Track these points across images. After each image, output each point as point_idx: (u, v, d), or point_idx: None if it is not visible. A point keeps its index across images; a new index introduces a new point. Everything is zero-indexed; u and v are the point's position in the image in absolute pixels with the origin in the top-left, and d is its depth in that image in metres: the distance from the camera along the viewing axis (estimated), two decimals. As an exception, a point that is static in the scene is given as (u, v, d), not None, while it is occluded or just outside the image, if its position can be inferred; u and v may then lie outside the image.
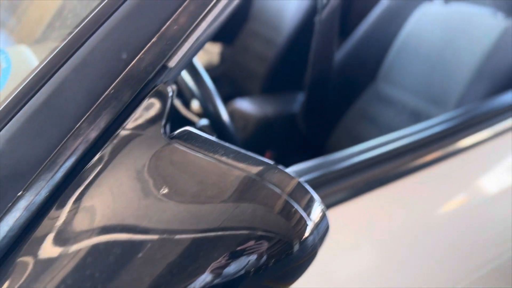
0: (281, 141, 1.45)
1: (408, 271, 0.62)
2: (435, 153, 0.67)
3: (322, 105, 1.23)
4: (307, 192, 0.35)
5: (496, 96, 0.78)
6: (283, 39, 1.62)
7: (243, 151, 0.37)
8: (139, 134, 0.37)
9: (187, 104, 0.77)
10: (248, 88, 1.76)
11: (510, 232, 0.73)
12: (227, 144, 0.38)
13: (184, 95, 0.76)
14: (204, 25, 0.41)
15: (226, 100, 1.75)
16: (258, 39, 1.79)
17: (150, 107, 0.39)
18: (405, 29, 1.26)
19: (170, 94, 0.39)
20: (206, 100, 0.68)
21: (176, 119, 0.84)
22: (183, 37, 0.40)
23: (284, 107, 1.48)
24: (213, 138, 0.38)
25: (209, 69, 1.77)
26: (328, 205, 0.59)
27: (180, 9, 0.40)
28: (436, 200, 0.67)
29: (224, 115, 0.70)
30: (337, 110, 1.34)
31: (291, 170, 0.62)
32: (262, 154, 1.41)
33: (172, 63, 0.40)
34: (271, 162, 0.36)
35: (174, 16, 0.40)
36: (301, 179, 0.35)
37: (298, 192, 0.34)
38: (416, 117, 1.17)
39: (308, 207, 0.34)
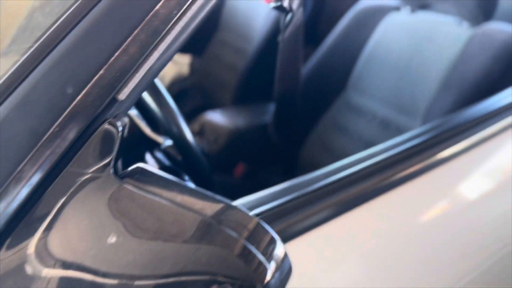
0: (253, 152, 1.44)
1: (395, 285, 0.61)
2: (414, 166, 0.65)
3: (292, 116, 1.22)
4: (267, 232, 0.33)
5: (469, 107, 0.78)
6: (253, 49, 1.61)
7: (199, 189, 0.35)
8: (87, 174, 0.35)
9: (151, 124, 0.75)
10: (220, 99, 1.74)
11: (494, 238, 0.73)
12: (182, 182, 0.36)
13: (147, 115, 0.74)
14: (156, 54, 0.39)
15: (197, 111, 1.72)
16: (228, 49, 1.78)
17: (98, 145, 0.36)
18: (373, 38, 1.26)
19: (121, 129, 0.36)
20: (169, 121, 0.66)
21: (140, 139, 0.81)
22: (134, 68, 0.38)
23: (255, 118, 1.47)
24: (167, 175, 0.36)
25: (179, 81, 1.74)
26: (310, 226, 0.57)
27: (129, 39, 0.38)
28: (419, 212, 0.67)
29: (189, 135, 0.68)
30: (308, 120, 1.33)
31: (270, 191, 0.60)
32: (235, 166, 1.40)
33: (122, 96, 0.38)
34: (229, 202, 0.34)
35: (124, 46, 0.38)
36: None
37: (257, 233, 0.32)
38: (386, 126, 1.18)
39: (268, 249, 0.33)
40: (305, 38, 1.45)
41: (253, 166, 1.42)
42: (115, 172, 0.35)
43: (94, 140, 0.36)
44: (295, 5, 0.61)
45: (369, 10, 1.29)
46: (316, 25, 2.13)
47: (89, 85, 0.36)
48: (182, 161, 0.70)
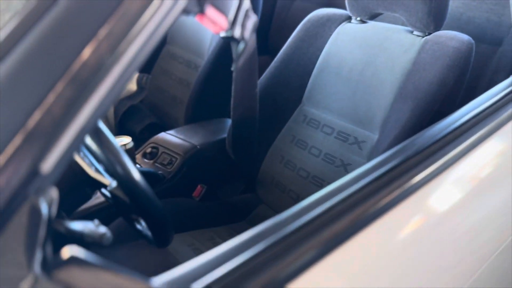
0: (212, 172, 1.38)
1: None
2: (392, 194, 0.61)
3: (250, 132, 1.18)
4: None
5: (432, 126, 0.75)
6: (205, 63, 1.55)
7: (133, 274, 0.29)
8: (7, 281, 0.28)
9: (95, 163, 0.67)
10: (173, 115, 1.67)
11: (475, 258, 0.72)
12: (115, 267, 0.30)
13: (88, 154, 0.67)
14: (86, 112, 0.32)
15: (149, 130, 1.64)
16: (179, 63, 1.71)
17: (18, 229, 0.29)
18: (326, 49, 1.24)
19: (45, 210, 0.30)
20: (112, 162, 0.59)
21: (85, 181, 0.73)
22: (59, 132, 0.31)
23: (212, 135, 1.41)
24: (102, 263, 0.30)
25: (127, 97, 1.65)
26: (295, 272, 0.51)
27: (51, 95, 0.31)
28: (405, 238, 0.63)
29: (135, 175, 0.62)
30: (267, 134, 1.29)
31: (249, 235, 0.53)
32: (193, 189, 1.33)
33: (46, 167, 0.31)
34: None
35: (44, 103, 0.31)
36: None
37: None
38: (345, 138, 1.16)
39: None
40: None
41: (212, 185, 1.36)
42: (44, 265, 0.28)
43: (13, 224, 0.29)
44: (247, 33, 0.57)
45: (319, 20, 1.27)
46: (267, 35, 2.11)
47: (3, 157, 0.30)
48: (131, 203, 0.64)
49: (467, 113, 0.79)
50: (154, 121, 1.66)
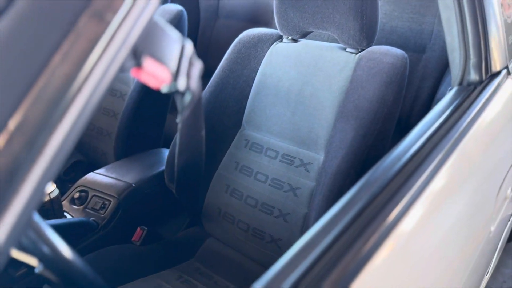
0: (152, 211, 1.27)
1: None
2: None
3: (197, 172, 1.10)
4: None
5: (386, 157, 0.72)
6: (131, 91, 1.43)
7: None
8: None
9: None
10: (101, 150, 1.53)
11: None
12: None
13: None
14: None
15: (75, 170, 1.49)
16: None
17: None
18: (260, 70, 1.20)
19: None
20: (35, 242, 0.49)
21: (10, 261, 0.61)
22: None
23: (148, 170, 1.30)
24: None
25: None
26: None
27: None
28: None
29: (65, 251, 0.52)
30: (209, 164, 1.21)
31: None
32: (132, 233, 1.22)
33: None
34: None
35: None
36: None
37: None
38: (290, 161, 1.12)
39: None
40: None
41: (153, 225, 1.26)
42: None
43: None
44: (193, 83, 0.49)
45: (251, 41, 1.22)
46: (206, 57, 2.04)
47: None
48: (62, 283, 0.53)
49: (422, 135, 0.76)
50: (79, 158, 1.51)
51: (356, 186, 0.60)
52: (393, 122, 1.00)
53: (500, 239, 1.23)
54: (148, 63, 0.39)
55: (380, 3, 1.55)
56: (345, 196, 0.58)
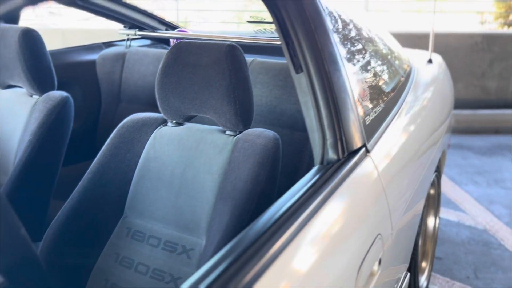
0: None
1: None
2: None
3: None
4: None
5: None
6: None
7: None
8: None
9: None
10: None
11: None
12: None
13: None
14: None
15: None
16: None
17: None
18: (143, 154, 1.17)
19: None
20: None
21: None
22: None
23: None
24: None
25: None
26: None
27: None
28: None
29: None
30: (87, 257, 1.12)
31: None
32: None
33: None
34: None
35: None
36: None
37: None
38: (172, 249, 1.07)
39: None
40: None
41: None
42: None
43: None
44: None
45: (135, 125, 1.21)
46: (94, 139, 2.00)
47: None
48: None
49: (280, 208, 0.77)
50: None
51: None
52: (269, 201, 1.00)
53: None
54: None
55: (270, 87, 1.64)
56: None
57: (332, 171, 0.88)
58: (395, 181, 1.14)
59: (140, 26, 2.15)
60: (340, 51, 1.03)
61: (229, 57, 1.04)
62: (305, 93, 0.94)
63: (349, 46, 1.17)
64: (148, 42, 2.26)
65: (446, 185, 2.99)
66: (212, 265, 0.64)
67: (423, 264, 1.86)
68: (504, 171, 3.27)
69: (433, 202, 1.88)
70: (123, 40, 2.18)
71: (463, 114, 4.35)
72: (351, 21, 1.28)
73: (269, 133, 1.06)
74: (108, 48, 2.15)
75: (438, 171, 1.78)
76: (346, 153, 0.94)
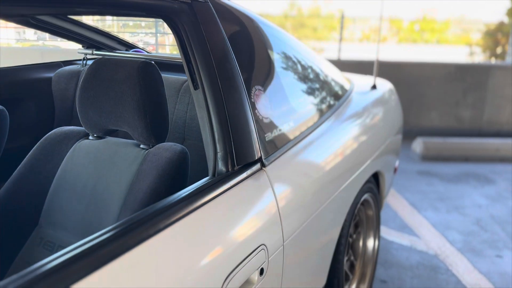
0: None
1: None
2: None
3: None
4: None
5: None
6: None
7: None
8: None
9: None
10: None
11: None
12: None
13: None
14: None
15: None
16: None
17: None
18: (61, 166, 1.20)
19: None
20: None
21: None
22: None
23: None
24: None
25: None
26: None
27: None
28: None
29: None
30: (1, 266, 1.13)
31: None
32: None
33: None
34: None
35: None
36: None
37: None
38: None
39: None
40: None
41: None
42: None
43: None
44: None
45: (56, 138, 1.25)
46: None
47: None
48: None
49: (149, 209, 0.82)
50: None
51: None
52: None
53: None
54: None
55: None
56: None
57: (217, 180, 0.91)
58: (293, 197, 1.17)
59: (97, 46, 2.21)
60: (243, 71, 1.08)
61: (141, 73, 1.09)
62: (202, 108, 0.99)
63: (260, 67, 1.22)
64: (106, 61, 2.31)
65: (405, 210, 3.02)
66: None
67: (361, 286, 1.87)
68: (465, 197, 3.31)
69: (372, 224, 1.90)
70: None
71: (433, 141, 4.42)
72: (269, 46, 1.34)
73: (178, 146, 1.10)
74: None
75: (373, 192, 1.80)
76: (236, 166, 0.97)
